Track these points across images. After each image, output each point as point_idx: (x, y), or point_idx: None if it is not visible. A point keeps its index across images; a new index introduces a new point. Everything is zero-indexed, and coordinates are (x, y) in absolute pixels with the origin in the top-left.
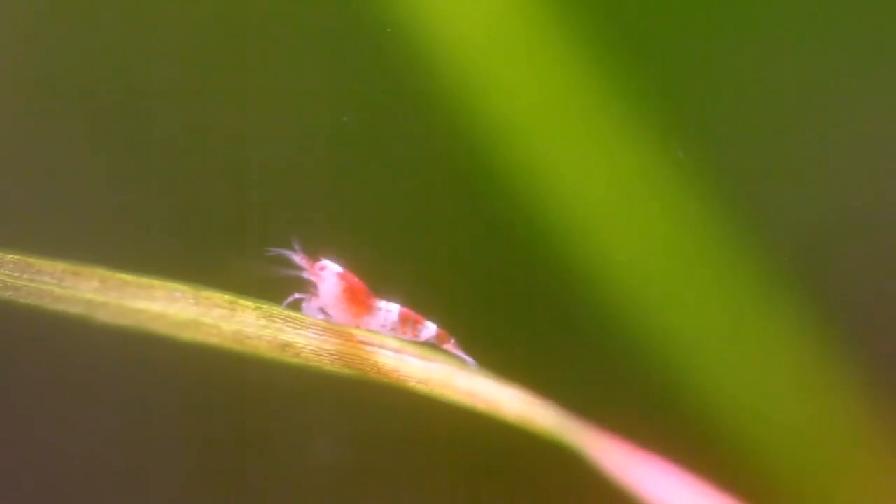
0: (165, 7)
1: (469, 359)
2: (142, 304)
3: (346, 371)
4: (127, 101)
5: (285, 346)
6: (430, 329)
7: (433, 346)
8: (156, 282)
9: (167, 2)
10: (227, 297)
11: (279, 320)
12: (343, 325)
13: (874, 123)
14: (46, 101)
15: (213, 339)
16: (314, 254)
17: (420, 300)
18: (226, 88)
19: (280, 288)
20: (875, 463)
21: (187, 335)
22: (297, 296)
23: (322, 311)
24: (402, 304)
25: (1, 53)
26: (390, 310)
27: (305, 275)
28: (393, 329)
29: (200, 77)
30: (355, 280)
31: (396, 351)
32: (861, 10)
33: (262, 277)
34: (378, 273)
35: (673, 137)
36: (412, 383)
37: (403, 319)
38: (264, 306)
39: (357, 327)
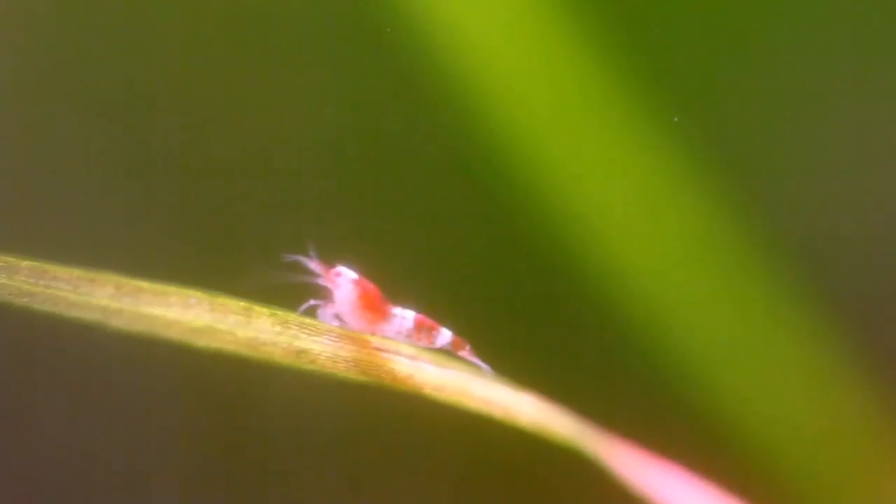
0: (169, 12)
1: (484, 365)
2: (157, 311)
3: (362, 378)
4: (142, 107)
5: (300, 352)
6: (445, 336)
7: (448, 352)
8: (171, 288)
9: (171, 6)
10: (242, 303)
11: (294, 327)
12: (358, 331)
13: (887, 114)
14: (62, 106)
15: (228, 346)
16: (330, 260)
17: (435, 307)
18: (230, 92)
19: (295, 294)
20: (885, 464)
21: (202, 342)
22: (312, 302)
23: (337, 317)
24: (418, 310)
25: (9, 56)
26: (406, 316)
27: (321, 281)
28: (408, 336)
29: (204, 81)
30: (371, 286)
31: (412, 358)
32: None
33: (278, 284)
34: (393, 279)
35: (680, 135)
36: (427, 390)
37: (419, 326)
38: (279, 313)
39: (372, 334)
